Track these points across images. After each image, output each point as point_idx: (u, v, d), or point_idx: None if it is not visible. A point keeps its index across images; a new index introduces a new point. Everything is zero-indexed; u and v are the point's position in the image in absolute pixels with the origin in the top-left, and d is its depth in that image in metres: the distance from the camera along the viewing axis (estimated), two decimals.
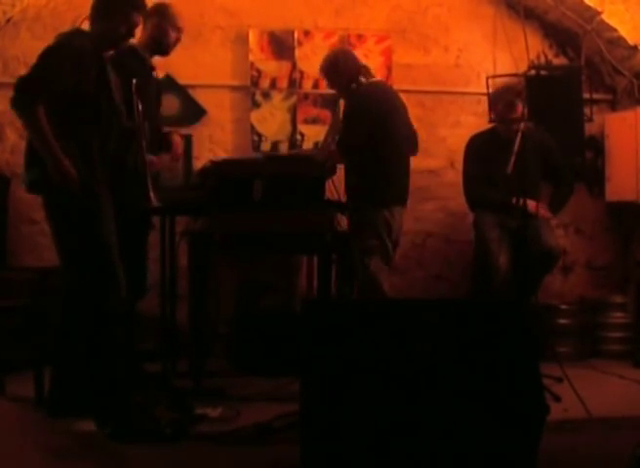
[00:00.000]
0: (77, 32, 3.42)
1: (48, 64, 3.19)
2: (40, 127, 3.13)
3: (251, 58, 4.91)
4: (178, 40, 3.93)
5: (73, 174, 3.16)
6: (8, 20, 4.67)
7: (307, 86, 4.96)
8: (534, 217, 4.12)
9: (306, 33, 4.95)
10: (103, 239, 3.26)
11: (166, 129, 4.11)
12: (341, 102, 4.50)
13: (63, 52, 3.21)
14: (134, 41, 3.71)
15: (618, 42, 4.89)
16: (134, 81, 3.50)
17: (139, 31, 3.64)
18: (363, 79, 4.19)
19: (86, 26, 3.50)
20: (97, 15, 3.37)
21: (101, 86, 3.29)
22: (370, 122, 4.04)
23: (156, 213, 3.94)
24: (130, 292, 3.39)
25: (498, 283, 4.21)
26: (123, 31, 3.34)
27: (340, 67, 4.22)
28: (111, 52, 3.47)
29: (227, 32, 4.93)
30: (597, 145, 5.15)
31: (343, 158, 4.15)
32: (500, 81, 4.25)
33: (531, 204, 4.05)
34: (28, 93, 3.15)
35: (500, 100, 4.20)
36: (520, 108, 4.07)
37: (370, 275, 4.03)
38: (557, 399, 3.58)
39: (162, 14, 3.85)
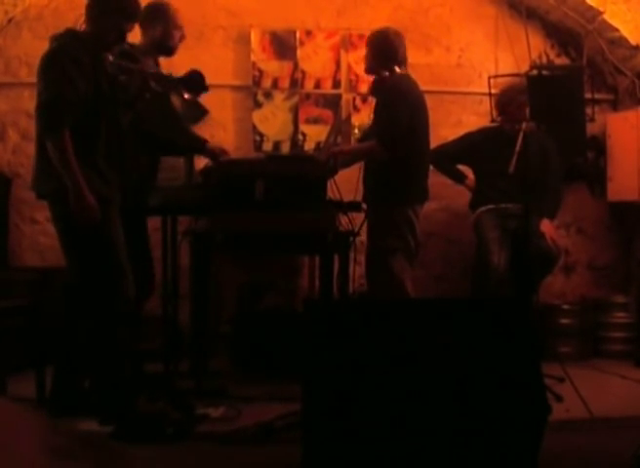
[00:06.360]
0: (70, 34, 3.27)
1: (58, 79, 3.07)
2: (66, 152, 3.03)
3: (253, 57, 4.91)
4: (182, 38, 3.88)
5: (94, 206, 3.09)
6: (10, 20, 4.69)
7: (309, 86, 4.96)
8: (534, 218, 4.12)
9: (308, 33, 4.94)
10: (111, 239, 3.23)
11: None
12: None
13: (65, 61, 3.10)
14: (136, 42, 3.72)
15: (619, 42, 4.89)
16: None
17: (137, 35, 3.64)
18: (398, 69, 4.06)
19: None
20: (89, 18, 3.29)
21: (98, 88, 3.21)
22: (407, 112, 3.96)
23: (158, 212, 3.94)
24: (137, 291, 3.38)
25: (494, 282, 4.20)
26: (112, 38, 3.26)
27: (388, 46, 4.07)
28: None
29: (229, 32, 4.94)
30: (599, 145, 5.14)
31: (387, 150, 3.94)
32: (503, 81, 4.25)
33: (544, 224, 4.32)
34: (54, 116, 3.04)
35: (512, 101, 4.18)
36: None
37: (394, 275, 3.97)
38: (559, 399, 3.57)
39: (163, 16, 3.77)
